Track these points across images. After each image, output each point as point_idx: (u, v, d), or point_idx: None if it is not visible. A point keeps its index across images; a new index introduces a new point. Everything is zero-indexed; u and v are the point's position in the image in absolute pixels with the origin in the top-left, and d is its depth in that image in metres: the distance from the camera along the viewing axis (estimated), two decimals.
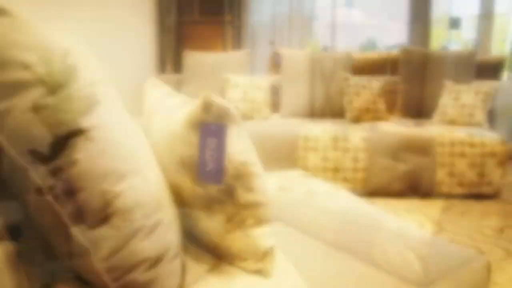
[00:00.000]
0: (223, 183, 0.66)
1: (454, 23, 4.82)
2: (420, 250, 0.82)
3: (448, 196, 2.45)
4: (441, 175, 2.34)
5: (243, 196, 0.68)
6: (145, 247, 0.60)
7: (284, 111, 2.98)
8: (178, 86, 3.25)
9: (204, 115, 0.62)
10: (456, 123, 2.59)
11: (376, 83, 2.82)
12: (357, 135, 2.39)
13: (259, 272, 0.70)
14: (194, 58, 3.13)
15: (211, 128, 0.61)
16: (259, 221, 0.71)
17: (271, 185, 1.17)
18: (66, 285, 0.68)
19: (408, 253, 0.81)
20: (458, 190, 2.35)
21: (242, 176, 0.68)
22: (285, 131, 2.46)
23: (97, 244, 0.58)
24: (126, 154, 0.62)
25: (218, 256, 0.74)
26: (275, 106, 3.19)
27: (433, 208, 2.24)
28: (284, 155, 2.44)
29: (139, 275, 0.59)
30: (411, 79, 2.87)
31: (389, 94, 3.08)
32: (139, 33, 3.27)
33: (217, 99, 0.63)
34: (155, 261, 0.61)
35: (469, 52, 2.81)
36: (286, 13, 5.38)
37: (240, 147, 0.68)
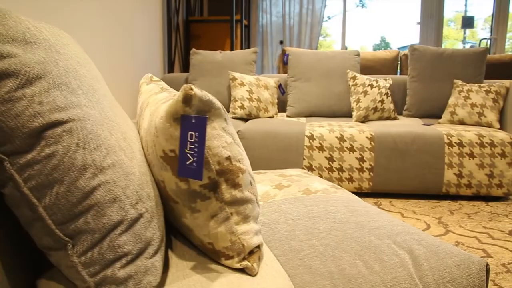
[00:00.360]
0: (203, 178, 0.64)
1: (468, 22, 4.72)
2: (416, 251, 0.80)
3: (457, 197, 2.39)
4: (449, 175, 2.29)
5: (228, 192, 0.67)
6: (124, 241, 0.59)
7: (291, 110, 2.96)
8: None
9: (185, 107, 0.60)
10: (466, 123, 2.54)
11: (384, 82, 2.78)
12: (363, 134, 2.36)
13: (244, 270, 0.69)
14: (201, 57, 3.13)
15: (191, 121, 0.59)
16: (245, 218, 0.69)
17: (268, 183, 1.15)
18: (51, 280, 0.68)
19: (402, 254, 0.78)
20: (467, 191, 2.30)
21: (227, 172, 0.66)
22: (290, 130, 2.44)
23: (74, 238, 0.57)
24: (108, 148, 0.61)
25: (203, 253, 0.73)
26: (282, 105, 3.17)
27: (440, 209, 2.19)
28: (290, 154, 2.42)
29: (117, 270, 0.58)
30: (421, 78, 2.82)
31: (398, 93, 3.03)
32: (147, 31, 3.28)
33: (199, 91, 0.61)
34: (135, 256, 0.60)
35: (480, 50, 2.74)
36: (297, 13, 5.35)
37: (224, 141, 0.66)
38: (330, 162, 2.38)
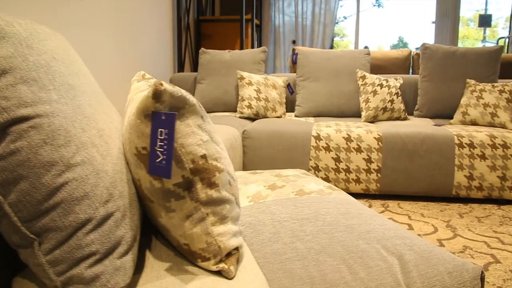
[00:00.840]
0: (177, 177, 0.62)
1: (485, 21, 4.59)
2: (406, 257, 0.76)
3: (467, 200, 2.32)
4: (459, 178, 2.22)
5: (203, 191, 0.65)
6: (91, 240, 0.58)
7: (299, 109, 2.92)
8: (194, 84, 3.25)
9: (155, 103, 0.58)
10: (478, 124, 2.46)
11: (394, 81, 2.72)
12: (371, 135, 2.30)
13: (221, 273, 0.66)
14: (209, 56, 3.12)
15: (161, 117, 0.57)
16: (222, 219, 0.67)
17: (262, 183, 1.12)
18: (24, 279, 0.67)
19: (391, 260, 0.75)
20: (478, 194, 2.22)
21: (202, 171, 0.64)
22: (297, 130, 2.41)
23: (40, 235, 0.56)
24: (78, 144, 0.60)
25: (182, 253, 0.71)
26: (291, 104, 3.14)
27: (449, 212, 2.12)
28: (296, 155, 2.39)
29: (84, 270, 0.57)
30: (432, 77, 2.74)
31: (409, 93, 2.96)
32: (157, 31, 3.29)
33: (170, 87, 0.59)
34: (103, 256, 0.58)
35: (495, 49, 2.65)
36: (310, 13, 5.30)
37: (200, 139, 0.64)
38: (337, 163, 2.34)
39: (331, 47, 5.38)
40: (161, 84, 0.58)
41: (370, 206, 2.22)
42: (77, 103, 0.66)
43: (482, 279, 0.76)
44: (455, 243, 1.75)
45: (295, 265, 0.69)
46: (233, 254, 0.68)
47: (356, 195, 2.42)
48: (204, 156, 0.64)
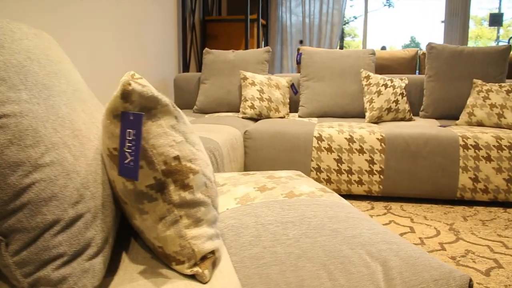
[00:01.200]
0: (149, 178, 0.61)
1: (496, 20, 4.50)
2: (391, 263, 0.74)
3: (472, 202, 2.27)
4: (464, 180, 2.17)
5: (176, 193, 0.63)
6: (59, 242, 0.57)
7: (303, 110, 2.89)
8: (198, 84, 3.25)
9: (124, 103, 0.57)
10: (484, 125, 2.40)
11: (399, 82, 2.67)
12: (374, 136, 2.27)
13: (195, 277, 0.65)
14: (213, 56, 3.12)
15: (129, 118, 0.56)
16: (197, 222, 0.65)
17: (252, 185, 1.11)
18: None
19: (374, 266, 0.72)
20: (483, 196, 2.17)
21: (175, 172, 0.63)
22: (298, 131, 2.38)
23: (7, 236, 0.55)
24: (48, 145, 0.59)
25: (157, 256, 0.70)
26: (295, 105, 3.11)
27: (453, 215, 2.08)
28: (298, 155, 2.36)
29: (51, 272, 0.56)
30: (438, 77, 2.69)
31: (415, 94, 2.91)
32: (161, 31, 3.30)
33: (139, 87, 0.58)
34: (71, 258, 0.57)
35: (503, 48, 2.59)
36: (318, 12, 5.26)
37: (172, 140, 0.63)
38: (339, 164, 2.31)
39: (341, 47, 5.33)
40: (129, 84, 0.57)
41: (372, 208, 2.19)
42: (50, 103, 0.66)
43: (471, 287, 0.73)
44: (457, 247, 1.71)
45: (272, 270, 0.67)
46: (209, 257, 0.66)
47: (359, 197, 2.39)
48: (177, 158, 0.63)
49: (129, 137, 0.56)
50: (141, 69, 3.00)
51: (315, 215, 0.90)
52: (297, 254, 0.72)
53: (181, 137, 0.64)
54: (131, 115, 0.56)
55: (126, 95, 0.57)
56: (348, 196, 2.41)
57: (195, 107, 3.07)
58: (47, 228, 0.56)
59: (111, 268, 0.67)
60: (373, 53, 2.90)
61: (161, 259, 0.67)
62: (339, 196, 1.11)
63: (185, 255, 0.64)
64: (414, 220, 2.02)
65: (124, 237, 0.79)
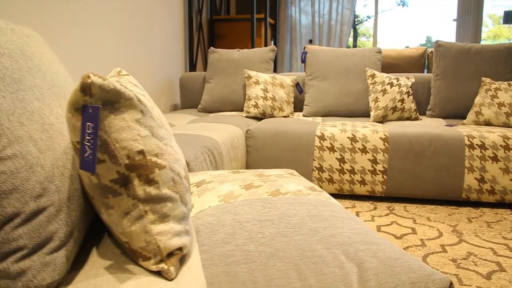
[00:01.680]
0: (112, 173, 0.60)
1: (510, 18, 4.38)
2: (367, 264, 0.71)
3: (478, 204, 2.21)
4: (469, 180, 2.11)
5: (141, 188, 0.62)
6: (19, 235, 0.56)
7: (307, 109, 2.86)
8: (203, 84, 3.25)
9: (84, 97, 0.56)
10: (492, 124, 2.33)
11: (406, 80, 2.62)
12: (377, 135, 2.23)
13: (161, 273, 0.64)
14: (218, 55, 3.11)
15: (89, 111, 0.55)
16: (163, 218, 0.64)
17: (238, 182, 1.09)
18: None
19: (349, 267, 0.70)
20: (490, 197, 2.11)
21: (139, 167, 0.62)
22: (301, 130, 2.36)
23: None
24: (11, 138, 0.59)
25: (126, 252, 0.69)
26: (300, 104, 3.09)
27: (458, 216, 2.02)
28: (300, 155, 2.34)
29: (10, 265, 0.56)
30: (446, 76, 2.63)
31: (422, 93, 2.86)
32: (167, 31, 3.31)
33: (100, 80, 0.57)
34: (31, 251, 0.57)
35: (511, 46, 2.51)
36: (327, 12, 5.22)
37: (137, 134, 0.62)
38: (341, 164, 2.27)
39: (355, 47, 5.27)
40: (88, 77, 0.56)
41: (374, 209, 2.15)
42: (19, 97, 0.65)
43: None
44: (458, 249, 1.66)
45: (241, 269, 0.66)
46: (176, 254, 0.65)
47: (361, 197, 2.35)
48: (141, 152, 0.62)
49: (89, 130, 0.55)
50: (147, 69, 3.02)
51: (296, 214, 0.88)
52: (269, 252, 0.70)
53: (147, 131, 0.63)
54: (90, 108, 0.55)
55: (85, 88, 0.56)
56: (351, 196, 2.38)
57: (199, 106, 3.07)
58: (7, 221, 0.56)
59: (79, 263, 0.67)
60: (379, 52, 2.85)
61: (129, 254, 0.67)
62: (329, 196, 1.09)
63: (151, 251, 0.63)
64: (417, 221, 1.97)
65: (101, 233, 0.78)
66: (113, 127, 0.59)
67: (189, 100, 3.30)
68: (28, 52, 0.78)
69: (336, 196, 2.39)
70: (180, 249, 0.66)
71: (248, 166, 2.44)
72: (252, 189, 1.04)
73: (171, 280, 0.63)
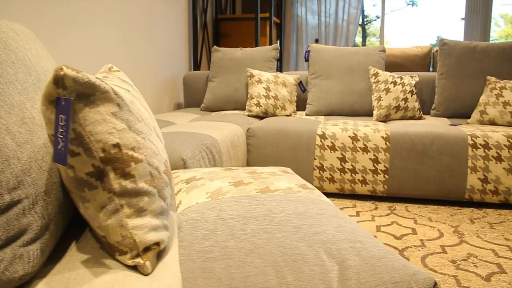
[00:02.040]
0: (87, 166, 0.60)
1: None
2: (349, 263, 0.70)
3: (482, 204, 2.17)
4: (473, 180, 2.07)
5: (117, 182, 0.62)
6: None
7: (310, 108, 2.85)
8: (207, 82, 3.25)
9: (57, 89, 0.56)
10: (497, 123, 2.29)
11: (409, 79, 2.59)
12: (378, 134, 2.20)
13: (137, 268, 0.63)
14: (221, 54, 3.11)
15: (61, 103, 0.55)
16: (139, 212, 0.64)
17: (228, 179, 1.09)
18: None
19: (330, 265, 0.69)
20: (493, 198, 2.07)
21: (115, 160, 0.61)
22: (302, 128, 2.34)
23: None
24: None
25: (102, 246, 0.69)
26: (304, 103, 3.07)
27: (460, 217, 1.99)
28: (301, 153, 2.33)
29: None
30: (450, 74, 2.59)
31: (427, 92, 2.82)
32: (172, 29, 3.32)
33: (73, 73, 0.57)
34: (4, 243, 0.57)
35: None
36: (333, 11, 5.18)
37: (112, 127, 0.61)
38: (342, 163, 2.25)
39: (364, 46, 5.23)
40: (61, 69, 0.56)
41: (375, 209, 2.12)
42: (4, 93, 0.66)
43: None
44: (459, 250, 1.63)
45: (218, 265, 0.65)
46: (152, 249, 0.64)
47: (363, 197, 2.33)
48: (117, 145, 0.61)
49: (61, 122, 0.55)
50: (151, 68, 3.03)
51: (282, 211, 0.86)
52: (248, 249, 0.69)
53: (123, 125, 0.63)
54: (63, 100, 0.55)
55: (58, 80, 0.56)
56: (352, 196, 2.35)
57: (202, 105, 3.08)
58: None
59: (56, 256, 0.67)
60: (383, 50, 2.82)
61: (106, 249, 0.66)
62: (320, 193, 1.07)
63: (127, 245, 0.63)
64: (418, 221, 1.94)
65: (83, 227, 0.78)
66: (88, 120, 0.59)
67: (192, 99, 3.30)
68: (12, 46, 0.78)
69: (337, 195, 2.37)
70: (157, 244, 0.65)
71: (248, 164, 2.43)
72: (241, 186, 1.03)
73: (146, 275, 0.62)
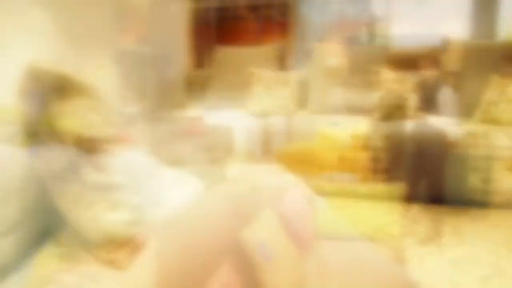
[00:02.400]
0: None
1: None
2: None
3: (482, 205, 2.13)
4: (474, 180, 2.04)
5: (90, 175, 0.61)
6: None
7: (312, 107, 2.83)
8: (209, 82, 3.25)
9: (31, 83, 0.56)
10: (501, 122, 2.25)
11: (411, 78, 2.56)
12: (378, 134, 2.18)
13: (112, 263, 0.63)
14: (223, 53, 3.11)
15: (34, 96, 0.55)
16: (114, 206, 0.63)
17: (214, 177, 1.08)
18: None
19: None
20: (495, 198, 2.03)
21: (89, 154, 0.61)
22: (302, 128, 2.33)
23: None
24: None
25: (81, 240, 0.68)
26: (305, 102, 3.05)
27: (461, 217, 1.96)
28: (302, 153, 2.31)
29: None
30: (455, 73, 2.55)
31: (430, 91, 2.78)
32: (174, 29, 3.33)
33: (48, 68, 0.57)
34: None
35: None
36: (345, 10, 5.16)
37: (87, 120, 0.61)
38: (341, 162, 2.23)
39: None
40: (35, 65, 0.56)
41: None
42: None
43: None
44: (458, 250, 1.60)
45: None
46: (127, 244, 0.64)
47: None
48: (92, 138, 0.61)
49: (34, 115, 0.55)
50: (152, 67, 3.03)
51: None
52: (224, 241, 0.69)
53: (99, 118, 0.62)
54: (35, 93, 0.55)
55: (32, 74, 0.55)
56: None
57: (204, 104, 3.08)
58: None
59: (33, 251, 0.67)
60: (387, 49, 2.80)
61: (83, 243, 0.66)
62: (308, 191, 1.06)
63: (104, 240, 0.62)
64: (418, 221, 1.92)
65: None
66: (62, 113, 0.59)
67: (194, 98, 3.31)
68: None
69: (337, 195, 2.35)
70: (132, 239, 0.65)
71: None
72: (230, 183, 1.02)
73: (120, 269, 0.62)
